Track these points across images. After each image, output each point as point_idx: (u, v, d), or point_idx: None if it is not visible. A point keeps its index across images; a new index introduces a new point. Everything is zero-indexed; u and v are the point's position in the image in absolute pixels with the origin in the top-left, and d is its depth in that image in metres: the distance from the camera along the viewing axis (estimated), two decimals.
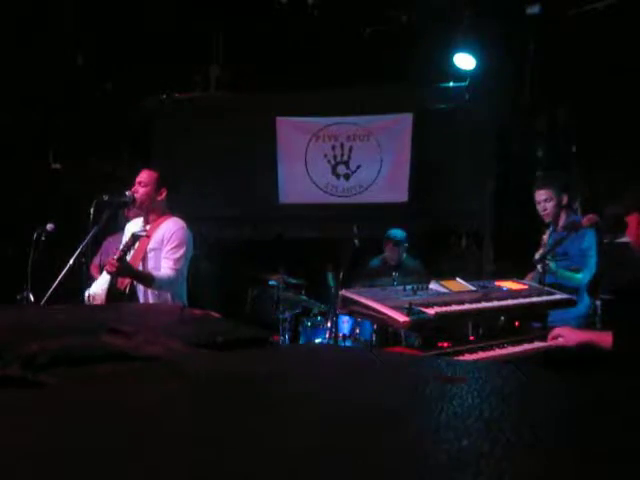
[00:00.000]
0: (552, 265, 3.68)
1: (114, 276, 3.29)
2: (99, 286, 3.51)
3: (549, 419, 0.66)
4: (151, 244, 3.45)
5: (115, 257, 3.20)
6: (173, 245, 3.41)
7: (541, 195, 4.02)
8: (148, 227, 3.56)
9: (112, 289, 3.34)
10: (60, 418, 0.64)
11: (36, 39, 5.74)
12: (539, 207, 4.03)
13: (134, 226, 3.70)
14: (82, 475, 0.48)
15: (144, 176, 3.57)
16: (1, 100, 5.58)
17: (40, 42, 5.78)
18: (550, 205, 3.97)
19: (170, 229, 3.46)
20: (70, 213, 5.09)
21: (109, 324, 1.04)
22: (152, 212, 3.56)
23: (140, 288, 3.42)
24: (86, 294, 3.58)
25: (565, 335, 2.67)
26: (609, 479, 0.49)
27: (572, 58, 5.41)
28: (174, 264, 3.38)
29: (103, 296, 3.39)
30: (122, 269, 3.21)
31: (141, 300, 3.40)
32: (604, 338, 2.47)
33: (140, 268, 3.41)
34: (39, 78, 5.81)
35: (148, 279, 3.33)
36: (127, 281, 3.39)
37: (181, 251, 3.42)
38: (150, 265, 3.42)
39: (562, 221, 4.02)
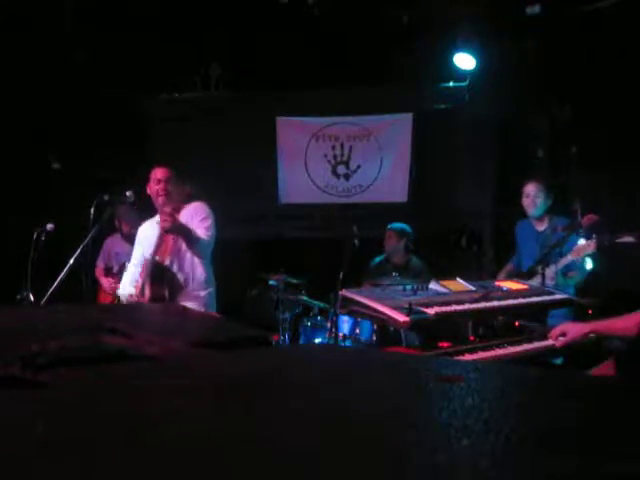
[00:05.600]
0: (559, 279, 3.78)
1: (170, 232, 3.46)
2: (129, 284, 3.71)
3: (550, 419, 0.66)
4: None
5: (168, 210, 3.40)
6: (200, 217, 3.61)
7: (533, 189, 4.16)
8: None
9: (154, 266, 3.49)
10: (60, 418, 0.64)
11: (36, 39, 5.73)
12: (527, 200, 4.18)
13: (149, 227, 3.81)
14: (82, 475, 0.48)
15: (163, 173, 3.72)
16: (1, 100, 5.58)
17: (40, 42, 5.78)
18: (540, 201, 4.13)
19: (192, 208, 3.68)
20: (70, 213, 5.09)
21: (109, 324, 1.04)
22: (176, 203, 3.70)
23: (180, 263, 3.59)
24: (122, 295, 3.67)
25: (569, 330, 2.64)
26: (609, 479, 0.49)
27: (572, 58, 5.41)
28: (206, 231, 3.59)
29: (138, 288, 3.54)
30: (177, 221, 3.41)
31: (181, 277, 3.57)
32: (613, 325, 2.42)
33: (171, 254, 3.59)
34: (39, 78, 5.81)
35: (194, 235, 3.51)
36: (167, 255, 3.55)
37: (209, 221, 3.63)
38: (182, 247, 3.58)
39: (545, 223, 4.16)
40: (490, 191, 6.37)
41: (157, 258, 3.51)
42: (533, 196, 4.17)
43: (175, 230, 3.45)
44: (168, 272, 3.53)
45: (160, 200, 3.68)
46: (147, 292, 3.46)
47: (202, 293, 3.65)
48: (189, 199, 3.62)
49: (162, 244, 3.52)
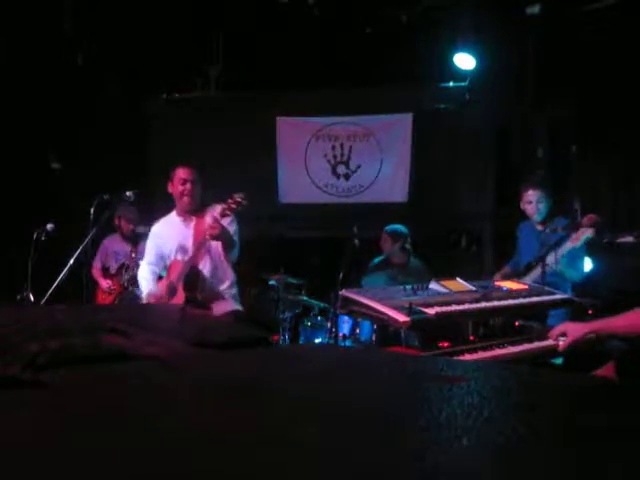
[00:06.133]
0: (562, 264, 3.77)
1: (216, 238, 3.44)
2: (152, 282, 3.70)
3: (549, 419, 0.66)
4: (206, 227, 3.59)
5: (217, 216, 3.40)
6: (227, 222, 3.59)
7: (534, 195, 4.17)
8: (194, 219, 3.68)
9: (189, 269, 3.49)
10: (60, 418, 0.64)
11: (36, 39, 5.73)
12: (529, 206, 4.19)
13: (167, 225, 3.77)
14: (82, 474, 0.48)
15: (189, 173, 3.71)
16: (1, 100, 5.58)
17: (40, 42, 5.78)
18: (542, 206, 4.14)
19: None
20: (70, 213, 5.09)
21: (109, 324, 1.04)
22: (198, 204, 3.71)
23: (214, 265, 3.60)
24: (144, 294, 3.67)
25: (569, 330, 2.63)
26: (609, 479, 0.49)
27: (572, 58, 5.41)
28: (234, 235, 3.63)
29: (164, 287, 3.54)
30: (224, 228, 3.42)
31: (214, 279, 3.60)
32: (613, 324, 2.42)
33: (205, 257, 3.60)
34: (39, 78, 5.80)
35: (234, 240, 3.59)
36: (202, 257, 3.56)
37: (235, 226, 3.68)
38: (214, 250, 3.59)
39: (547, 223, 4.17)
40: (490, 191, 6.37)
41: (192, 261, 3.51)
42: (535, 202, 4.18)
43: (220, 237, 3.45)
44: (203, 275, 3.55)
45: (185, 200, 3.68)
46: (180, 294, 3.45)
47: (231, 294, 3.70)
48: (239, 206, 3.49)
49: (197, 247, 3.52)
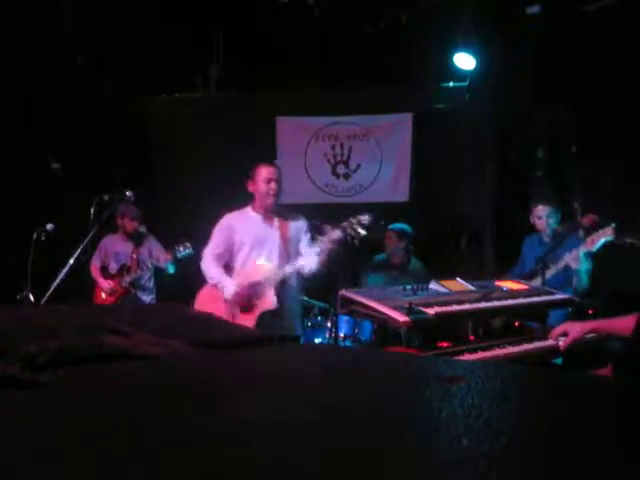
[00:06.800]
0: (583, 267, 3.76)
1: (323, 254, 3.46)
2: (220, 273, 3.64)
3: (549, 419, 0.66)
4: (292, 233, 3.65)
5: (334, 239, 3.40)
6: (309, 236, 3.68)
7: (544, 210, 4.18)
8: (276, 220, 3.70)
9: (280, 279, 3.51)
10: (60, 418, 0.64)
11: (36, 39, 5.73)
12: (539, 221, 4.18)
13: (243, 217, 3.77)
14: (82, 475, 0.48)
15: (274, 172, 3.76)
16: (1, 100, 5.58)
17: (40, 42, 5.78)
18: (552, 221, 4.15)
19: (302, 223, 3.72)
20: (70, 213, 5.09)
21: (109, 324, 1.04)
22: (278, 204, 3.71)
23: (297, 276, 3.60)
24: (217, 282, 3.61)
25: (570, 329, 2.63)
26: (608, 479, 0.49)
27: (572, 58, 5.41)
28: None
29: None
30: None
31: (293, 291, 3.63)
32: (613, 324, 2.42)
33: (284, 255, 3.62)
34: (39, 78, 5.80)
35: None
36: (289, 267, 3.54)
37: (309, 235, 3.76)
38: (292, 251, 3.60)
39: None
40: (490, 191, 6.37)
41: (284, 270, 3.50)
42: (545, 217, 4.22)
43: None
44: (288, 285, 3.56)
45: (270, 200, 3.66)
46: (269, 301, 3.42)
47: (298, 308, 3.71)
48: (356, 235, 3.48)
49: (287, 255, 3.53)
